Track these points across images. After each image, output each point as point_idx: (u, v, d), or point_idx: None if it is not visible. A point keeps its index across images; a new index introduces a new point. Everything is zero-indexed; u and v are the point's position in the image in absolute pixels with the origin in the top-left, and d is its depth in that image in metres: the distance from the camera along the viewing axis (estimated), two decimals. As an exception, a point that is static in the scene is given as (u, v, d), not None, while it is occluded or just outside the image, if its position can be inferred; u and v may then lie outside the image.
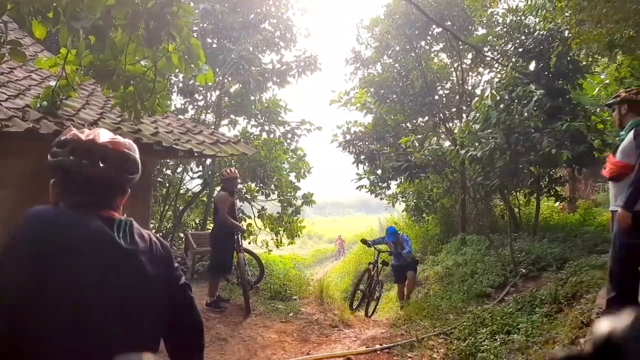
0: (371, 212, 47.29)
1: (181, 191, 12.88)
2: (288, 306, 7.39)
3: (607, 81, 14.29)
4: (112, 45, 3.74)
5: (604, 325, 0.53)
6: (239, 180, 7.73)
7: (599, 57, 9.80)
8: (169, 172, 12.42)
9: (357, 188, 13.73)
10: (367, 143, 13.03)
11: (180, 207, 12.71)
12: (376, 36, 13.89)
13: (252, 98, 12.45)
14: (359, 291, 8.81)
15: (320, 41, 25.84)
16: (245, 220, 12.40)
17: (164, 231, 12.11)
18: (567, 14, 8.17)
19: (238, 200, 12.69)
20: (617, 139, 4.09)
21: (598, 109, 12.22)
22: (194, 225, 13.30)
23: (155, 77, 4.04)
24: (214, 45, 12.06)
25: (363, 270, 9.20)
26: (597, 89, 14.66)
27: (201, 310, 6.73)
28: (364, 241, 9.45)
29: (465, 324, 5.68)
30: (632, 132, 3.76)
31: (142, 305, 1.36)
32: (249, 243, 12.73)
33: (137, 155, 1.47)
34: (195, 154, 5.17)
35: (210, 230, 8.26)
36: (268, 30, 12.46)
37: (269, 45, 12.38)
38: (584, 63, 10.88)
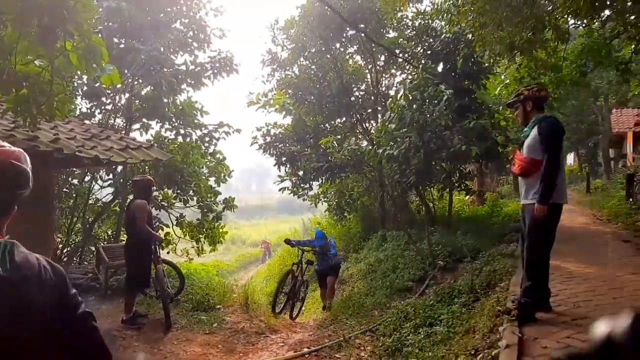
0: (295, 213, 47.29)
1: (90, 201, 11.99)
2: (212, 316, 7.09)
3: (507, 81, 15.46)
4: (0, 42, 3.34)
5: (604, 326, 0.54)
6: (154, 187, 7.30)
7: (500, 59, 10.53)
8: (75, 181, 11.51)
9: (280, 190, 13.64)
10: (287, 145, 12.99)
11: (90, 219, 11.83)
12: (292, 37, 13.89)
13: (165, 100, 11.88)
14: (283, 294, 8.57)
15: (237, 42, 25.37)
16: (163, 229, 11.79)
17: (72, 245, 11.19)
18: (470, 18, 8.66)
19: (154, 208, 12.07)
20: (522, 135, 4.28)
21: (501, 107, 13.17)
22: (106, 237, 12.44)
23: (52, 78, 3.66)
24: (122, 46, 11.36)
25: (286, 271, 8.96)
26: (498, 88, 15.81)
27: (117, 328, 6.28)
28: (287, 241, 9.23)
29: (389, 319, 5.79)
30: (536, 128, 3.97)
31: (26, 338, 1.16)
32: (168, 253, 12.15)
33: (27, 166, 1.27)
34: (103, 162, 4.77)
35: (124, 242, 7.70)
36: (180, 30, 11.96)
37: (182, 46, 11.89)
38: (487, 64, 11.65)
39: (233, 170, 13.14)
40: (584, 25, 11.62)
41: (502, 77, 15.84)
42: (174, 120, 12.16)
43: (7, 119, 4.33)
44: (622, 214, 10.00)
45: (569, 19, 10.60)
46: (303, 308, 9.32)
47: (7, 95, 3.71)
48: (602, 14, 10.63)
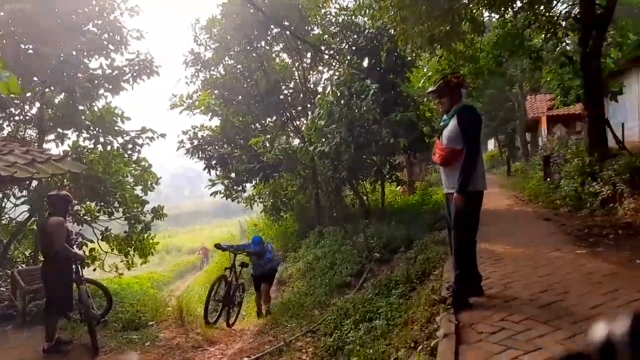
0: (231, 217, 46.41)
1: (3, 221, 10.96)
2: (144, 335, 6.64)
3: (429, 73, 15.98)
4: None
5: (603, 326, 0.54)
6: (72, 202, 6.74)
7: (422, 52, 10.80)
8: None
9: (212, 194, 13.21)
10: (217, 147, 12.60)
11: (5, 241, 10.81)
12: (215, 37, 13.47)
13: (81, 108, 11.07)
14: (216, 301, 8.02)
15: (156, 43, 24.30)
16: (87, 245, 11.03)
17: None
18: (391, 13, 8.78)
19: (75, 223, 11.26)
20: (441, 124, 4.29)
21: (425, 99, 13.58)
22: (24, 259, 11.43)
23: None
24: (30, 52, 10.39)
25: (216, 278, 8.39)
26: (422, 81, 16.31)
27: (39, 358, 5.72)
28: (217, 246, 8.59)
29: (330, 318, 5.71)
30: (454, 118, 3.99)
31: None
32: (94, 270, 11.40)
33: None
34: (5, 179, 4.27)
35: (41, 264, 7.03)
36: (94, 33, 11.15)
37: (96, 49, 11.07)
38: (410, 58, 11.93)
39: (161, 177, 12.56)
40: (498, 17, 12.25)
41: (425, 70, 16.36)
42: (92, 128, 11.37)
43: None
44: (542, 193, 10.61)
45: (484, 11, 11.12)
46: (243, 313, 9.04)
47: None
48: (515, 5, 11.26)
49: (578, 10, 10.35)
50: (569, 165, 9.80)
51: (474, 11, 9.76)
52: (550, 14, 11.05)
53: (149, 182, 12.31)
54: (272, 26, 12.78)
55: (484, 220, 4.07)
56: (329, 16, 13.88)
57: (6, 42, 9.76)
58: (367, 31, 11.57)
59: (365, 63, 11.87)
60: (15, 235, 10.69)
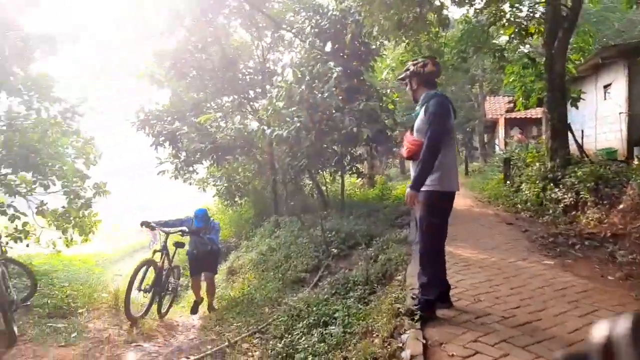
0: (185, 199, 44.93)
1: None
2: (71, 324, 5.93)
3: (393, 65, 15.70)
4: None
5: (603, 326, 0.54)
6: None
7: (388, 38, 10.37)
8: None
9: (159, 173, 12.39)
10: (165, 123, 11.76)
11: None
12: (167, 3, 12.39)
13: (15, 69, 9.97)
14: (142, 291, 6.51)
15: (101, 6, 22.71)
16: (19, 218, 10.06)
17: None
18: None
19: (7, 194, 10.24)
20: (413, 114, 3.88)
21: (388, 91, 13.28)
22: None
23: None
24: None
25: (141, 262, 6.60)
26: (385, 72, 16.02)
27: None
28: (145, 224, 6.96)
29: (281, 318, 5.23)
30: (423, 108, 3.59)
31: None
32: (27, 246, 10.43)
33: None
34: None
35: None
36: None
37: (28, 4, 9.90)
38: (374, 46, 11.56)
39: (102, 152, 11.62)
40: (463, 13, 12.09)
41: (388, 61, 16.06)
42: (25, 92, 10.29)
43: None
44: (502, 195, 10.54)
45: (449, 4, 10.85)
46: (177, 300, 8.06)
47: None
48: (479, 1, 11.11)
49: (544, 11, 10.28)
50: (530, 169, 9.73)
51: (440, 2, 9.44)
52: (515, 13, 10.97)
53: (91, 156, 11.40)
54: None
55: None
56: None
57: None
58: (330, 13, 11.03)
59: (328, 47, 11.37)
60: None
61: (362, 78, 11.30)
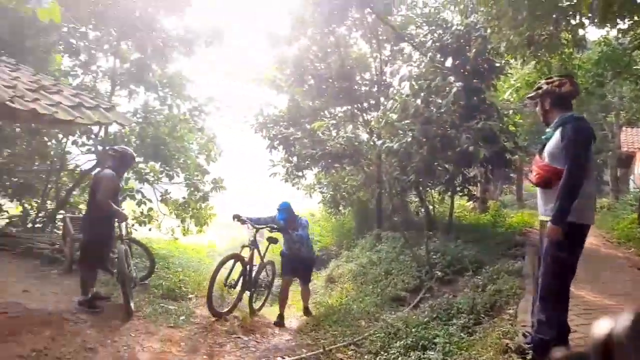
0: (293, 203, 46.48)
1: (69, 166, 11.23)
2: (181, 307, 6.36)
3: (518, 84, 14.75)
4: None
5: (603, 325, 0.53)
6: (133, 161, 6.51)
7: (515, 56, 9.75)
8: (53, 142, 10.71)
9: (270, 175, 12.92)
10: (281, 128, 12.24)
11: (68, 186, 11.07)
12: (292, 12, 12.88)
13: (154, 67, 11.04)
14: (227, 286, 6.56)
15: (231, 11, 24.38)
16: (145, 204, 11.11)
17: (48, 211, 10.45)
18: (489, 4, 7.89)
19: (138, 181, 11.34)
20: (543, 137, 3.55)
21: (510, 112, 12.50)
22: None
23: None
24: (110, 3, 10.36)
25: (226, 257, 6.62)
26: (508, 92, 15.11)
27: (72, 310, 5.56)
28: (237, 217, 6.94)
29: (377, 334, 5.11)
30: (559, 131, 3.28)
31: None
32: (150, 230, 11.47)
33: None
34: (45, 117, 4.00)
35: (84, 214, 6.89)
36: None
37: (172, 8, 10.84)
38: (499, 64, 10.96)
39: (223, 150, 12.42)
40: (604, 32, 10.98)
41: (513, 81, 15.14)
42: (160, 89, 11.36)
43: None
44: (635, 238, 9.37)
45: (586, 24, 9.92)
46: (269, 298, 7.69)
47: None
48: (624, 21, 9.98)
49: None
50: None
51: (577, 23, 8.64)
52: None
53: (212, 153, 12.24)
54: (352, 8, 12.03)
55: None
56: (415, 7, 13.05)
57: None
58: (454, 28, 10.66)
59: (449, 63, 11.00)
60: (79, 182, 10.91)
61: (482, 96, 10.78)
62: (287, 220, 6.86)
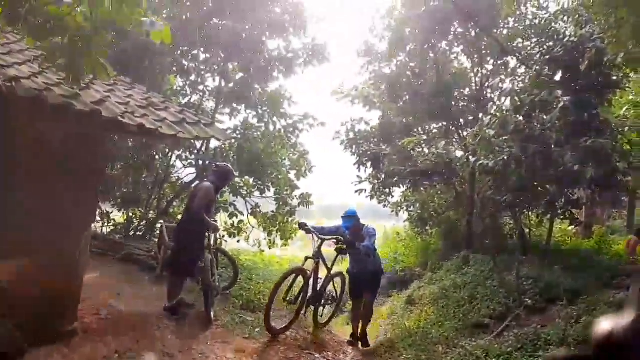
0: (379, 220, 46.08)
1: (172, 179, 12.15)
2: (257, 319, 6.48)
3: (637, 100, 13.27)
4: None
5: (605, 325, 0.56)
6: (231, 179, 6.90)
7: (635, 70, 8.79)
8: (160, 155, 11.68)
9: (356, 192, 12.90)
10: (371, 144, 12.19)
11: (170, 197, 11.97)
12: (392, 28, 12.82)
13: (256, 87, 11.63)
14: (286, 302, 6.34)
15: (330, 29, 24.97)
16: (236, 216, 11.66)
17: (150, 220, 11.36)
18: (610, 11, 7.20)
19: (232, 194, 11.93)
20: None
21: (627, 129, 11.26)
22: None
23: (94, 24, 3.22)
24: (216, 24, 11.13)
25: (288, 271, 6.50)
26: (625, 108, 13.61)
27: (158, 315, 5.90)
28: (302, 225, 6.80)
29: (455, 363, 4.79)
30: None
31: None
32: (238, 242, 11.98)
33: None
34: (150, 132, 4.36)
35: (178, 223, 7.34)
36: (276, 13, 11.50)
37: (276, 30, 11.42)
38: (615, 77, 9.97)
39: (315, 166, 12.64)
40: None
41: (632, 96, 13.71)
42: (260, 107, 11.92)
43: (59, 74, 3.98)
44: None
45: None
46: (338, 312, 7.43)
47: (41, 41, 3.36)
48: None
49: None
50: None
51: None
52: None
53: (303, 169, 12.50)
54: (455, 23, 11.70)
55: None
56: (524, 19, 12.32)
57: (199, 12, 10.55)
58: (566, 39, 9.88)
59: (559, 76, 10.20)
60: (179, 194, 11.75)
61: (594, 112, 9.87)
62: (352, 229, 6.43)
